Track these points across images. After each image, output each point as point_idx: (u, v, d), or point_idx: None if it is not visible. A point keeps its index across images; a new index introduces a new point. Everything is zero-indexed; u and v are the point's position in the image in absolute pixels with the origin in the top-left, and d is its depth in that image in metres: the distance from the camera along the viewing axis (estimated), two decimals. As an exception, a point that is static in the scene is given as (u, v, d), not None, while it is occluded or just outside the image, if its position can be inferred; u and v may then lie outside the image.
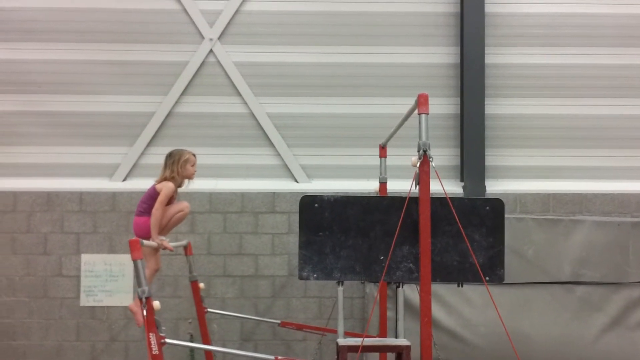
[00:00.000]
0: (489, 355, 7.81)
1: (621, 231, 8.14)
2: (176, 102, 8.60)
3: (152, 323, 4.79)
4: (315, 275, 5.19)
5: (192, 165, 6.54)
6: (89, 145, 8.59)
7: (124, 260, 8.26)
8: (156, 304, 4.82)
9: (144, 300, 4.80)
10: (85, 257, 8.38)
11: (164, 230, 6.43)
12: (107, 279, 8.35)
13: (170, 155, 6.52)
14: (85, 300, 8.34)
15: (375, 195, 7.02)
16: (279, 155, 8.64)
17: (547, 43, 8.74)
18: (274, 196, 8.48)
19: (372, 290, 8.05)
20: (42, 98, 8.57)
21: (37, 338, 8.27)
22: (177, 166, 6.42)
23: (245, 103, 8.62)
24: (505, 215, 5.39)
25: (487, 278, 5.11)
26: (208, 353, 7.23)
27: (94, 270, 8.35)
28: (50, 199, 8.40)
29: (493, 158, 8.61)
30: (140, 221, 6.28)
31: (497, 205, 5.28)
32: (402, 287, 5.48)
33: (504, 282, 5.37)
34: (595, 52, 8.74)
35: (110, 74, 8.60)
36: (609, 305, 8.02)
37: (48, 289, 8.33)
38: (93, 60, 8.59)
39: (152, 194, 6.33)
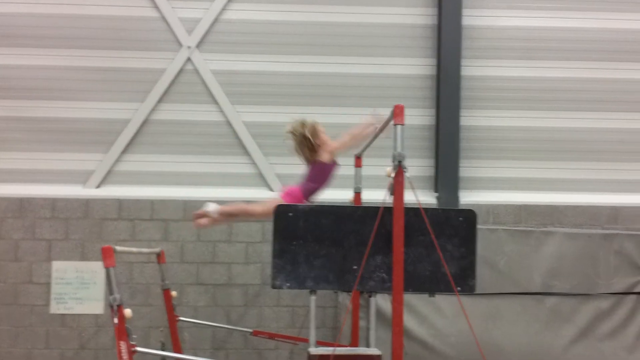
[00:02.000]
0: (461, 366, 7.85)
1: (591, 243, 8.23)
2: (153, 110, 8.57)
3: (123, 331, 4.75)
4: (288, 284, 5.18)
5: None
6: (63, 152, 8.53)
7: (96, 268, 8.20)
8: (127, 311, 4.79)
9: (115, 308, 4.77)
10: (56, 264, 8.30)
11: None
12: (78, 287, 8.28)
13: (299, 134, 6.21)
14: (55, 308, 8.26)
15: (349, 205, 7.05)
16: (254, 163, 8.64)
17: (523, 56, 8.83)
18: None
19: (345, 299, 8.05)
20: (16, 104, 8.50)
21: (6, 345, 8.18)
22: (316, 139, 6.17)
23: (222, 111, 8.61)
24: (478, 226, 5.42)
25: (459, 288, 5.14)
26: (179, 361, 7.19)
27: (64, 277, 8.28)
28: (22, 205, 8.33)
29: (467, 169, 8.67)
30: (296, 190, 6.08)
31: (470, 216, 5.31)
32: (375, 296, 5.51)
33: (476, 292, 5.40)
34: (570, 66, 8.84)
35: (86, 81, 8.55)
36: (579, 316, 8.10)
37: (18, 296, 8.24)
38: (68, 67, 8.54)
39: (321, 167, 6.14)
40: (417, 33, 8.79)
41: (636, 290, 8.20)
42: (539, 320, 8.08)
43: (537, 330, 8.05)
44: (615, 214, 8.64)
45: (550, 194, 8.73)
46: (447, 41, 8.64)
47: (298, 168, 8.60)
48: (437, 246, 4.94)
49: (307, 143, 6.10)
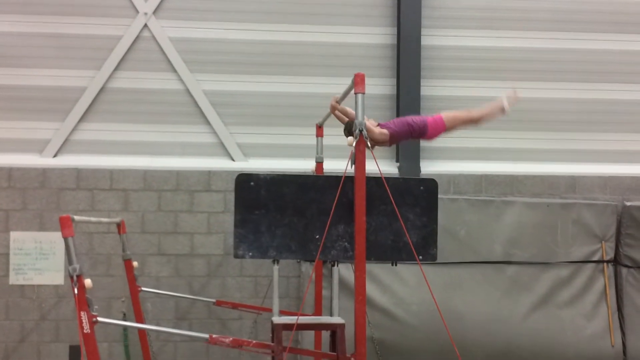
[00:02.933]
0: (423, 333, 7.94)
1: (550, 212, 8.35)
2: (109, 77, 8.42)
3: (83, 301, 4.70)
4: (250, 254, 5.18)
5: None
6: (19, 120, 8.36)
7: (55, 238, 8.09)
8: (88, 282, 4.73)
9: (75, 278, 4.72)
10: (14, 235, 8.17)
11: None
12: (37, 257, 8.18)
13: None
14: (14, 279, 8.15)
15: (311, 174, 7.04)
16: (215, 133, 8.56)
17: (483, 26, 8.85)
18: (209, 174, 8.42)
19: (308, 269, 8.08)
20: (-30, 70, 8.31)
21: (-36, 317, 8.07)
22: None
23: (181, 79, 8.50)
24: (439, 196, 5.46)
25: (421, 257, 5.18)
26: (142, 332, 7.15)
27: (23, 248, 8.16)
28: (-23, 175, 8.17)
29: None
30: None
31: (431, 186, 5.35)
32: (337, 265, 5.53)
33: (437, 261, 5.46)
34: (530, 36, 8.88)
35: (41, 47, 8.36)
36: (538, 285, 8.24)
37: (-25, 267, 8.12)
38: (24, 33, 8.34)
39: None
40: (377, 2, 8.75)
41: (594, 258, 8.36)
42: (499, 289, 8.20)
43: (498, 299, 8.17)
44: (573, 183, 8.77)
45: (510, 163, 8.81)
46: (407, 10, 8.61)
47: (259, 137, 8.64)
48: (399, 215, 4.97)
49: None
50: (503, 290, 8.20)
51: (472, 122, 5.98)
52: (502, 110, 5.91)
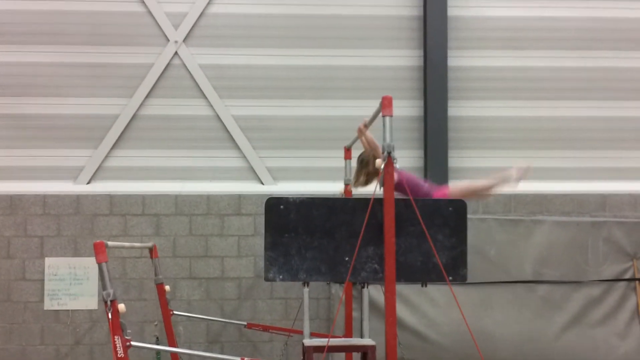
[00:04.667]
0: (453, 354, 7.91)
1: (580, 231, 8.30)
2: (141, 105, 8.57)
3: (117, 326, 4.77)
4: (281, 277, 5.20)
5: None
6: (53, 148, 8.53)
7: (89, 264, 8.21)
8: (121, 306, 4.80)
9: (108, 303, 4.79)
10: (49, 261, 8.31)
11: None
12: (71, 283, 8.30)
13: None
14: (49, 304, 8.28)
15: (340, 196, 7.07)
16: (244, 157, 8.66)
17: (509, 46, 8.88)
18: (239, 198, 8.50)
19: (338, 291, 8.10)
20: (5, 101, 8.49)
21: (1, 342, 8.19)
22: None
23: (211, 105, 8.63)
24: (468, 216, 5.45)
25: (451, 278, 5.17)
26: (174, 355, 7.21)
27: (57, 273, 8.29)
28: (13, 202, 8.32)
29: (456, 160, 8.72)
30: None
31: (459, 206, 5.34)
32: (367, 287, 5.54)
33: (467, 281, 5.44)
34: (557, 55, 8.90)
35: (74, 76, 8.54)
36: (570, 304, 8.18)
37: (11, 293, 8.25)
38: (57, 63, 8.53)
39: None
40: (403, 24, 8.82)
41: (626, 276, 8.29)
42: (530, 308, 8.15)
43: (529, 318, 8.12)
44: (603, 201, 8.72)
45: (539, 182, 8.76)
46: (433, 32, 8.67)
47: (288, 161, 8.71)
48: (428, 236, 4.98)
49: (368, 172, 6.00)
50: (534, 309, 8.14)
51: (478, 193, 6.16)
52: (510, 180, 6.02)
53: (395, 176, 5.53)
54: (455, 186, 5.94)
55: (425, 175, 8.68)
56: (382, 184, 4.82)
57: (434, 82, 8.68)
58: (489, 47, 8.87)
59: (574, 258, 8.25)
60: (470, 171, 8.73)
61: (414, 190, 5.75)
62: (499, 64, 8.87)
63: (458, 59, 8.80)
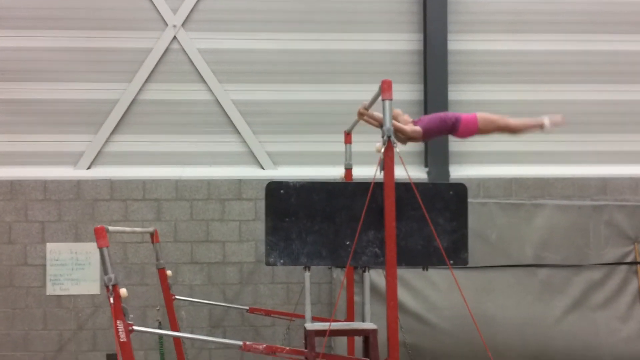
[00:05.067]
0: (455, 338, 7.93)
1: (581, 214, 8.30)
2: (140, 90, 8.55)
3: (119, 311, 4.78)
4: (282, 261, 5.22)
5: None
6: (53, 133, 8.52)
7: (90, 249, 8.22)
8: (123, 291, 4.81)
9: (110, 287, 4.80)
10: (50, 246, 8.32)
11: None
12: (73, 268, 8.31)
13: None
14: (51, 289, 8.30)
15: (340, 181, 7.07)
16: (244, 142, 8.64)
17: (510, 29, 8.84)
18: (240, 183, 8.50)
19: (339, 275, 8.11)
20: (5, 86, 8.47)
21: (4, 327, 8.22)
22: None
23: (210, 90, 8.60)
24: (469, 200, 5.47)
25: (452, 262, 5.19)
26: (177, 340, 7.23)
27: (59, 258, 8.31)
28: (13, 187, 8.32)
29: (457, 144, 8.69)
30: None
31: (460, 190, 5.36)
32: (368, 271, 5.56)
33: (468, 265, 5.46)
34: (558, 39, 8.86)
35: (73, 61, 8.52)
36: (571, 287, 8.19)
37: (13, 278, 8.26)
38: (56, 47, 8.50)
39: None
40: (403, 8, 8.78)
41: (627, 260, 8.29)
42: (531, 292, 8.16)
43: (530, 302, 8.13)
44: (604, 185, 8.71)
45: (540, 166, 8.77)
46: (433, 16, 8.63)
47: (288, 145, 8.69)
48: (429, 220, 4.98)
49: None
50: (535, 293, 8.16)
51: (508, 130, 5.95)
52: (542, 127, 5.87)
53: (417, 128, 5.54)
54: (484, 115, 5.80)
55: (426, 160, 8.67)
56: (382, 168, 4.81)
57: (434, 66, 8.65)
58: (489, 30, 8.83)
59: (575, 242, 8.25)
60: (471, 155, 8.74)
61: (439, 126, 5.70)
62: (499, 48, 8.83)
63: (458, 43, 8.77)
